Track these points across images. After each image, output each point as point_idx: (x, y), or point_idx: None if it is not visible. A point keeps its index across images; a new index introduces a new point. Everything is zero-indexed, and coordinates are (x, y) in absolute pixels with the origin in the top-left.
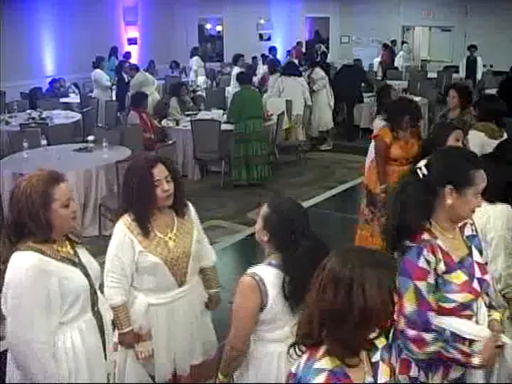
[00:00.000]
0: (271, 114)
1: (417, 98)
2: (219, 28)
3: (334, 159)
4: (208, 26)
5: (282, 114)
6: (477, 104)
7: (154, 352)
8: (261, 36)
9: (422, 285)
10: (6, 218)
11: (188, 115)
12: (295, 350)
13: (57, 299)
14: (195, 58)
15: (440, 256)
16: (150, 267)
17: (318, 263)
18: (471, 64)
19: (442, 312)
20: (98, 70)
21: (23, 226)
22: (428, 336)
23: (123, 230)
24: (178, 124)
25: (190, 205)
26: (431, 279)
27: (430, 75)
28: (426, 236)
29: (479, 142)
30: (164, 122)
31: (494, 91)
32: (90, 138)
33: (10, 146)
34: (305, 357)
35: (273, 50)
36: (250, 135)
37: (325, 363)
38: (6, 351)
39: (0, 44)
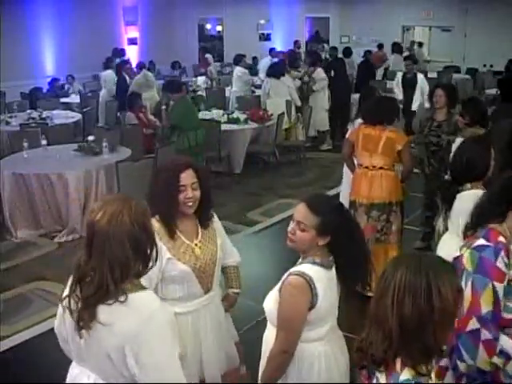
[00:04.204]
0: (271, 114)
1: None
2: (219, 28)
3: (334, 159)
4: (208, 26)
5: (282, 114)
6: (465, 109)
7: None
8: (261, 36)
9: (499, 287)
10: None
11: None
12: (369, 372)
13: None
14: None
15: None
16: (178, 275)
17: (363, 246)
18: (408, 82)
19: (502, 322)
20: (109, 71)
21: (130, 265)
22: (498, 345)
23: None
24: None
25: (214, 215)
26: (506, 282)
27: (429, 75)
28: (502, 239)
29: None
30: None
31: (493, 91)
32: (90, 138)
33: (10, 146)
34: (382, 375)
35: (273, 50)
36: (191, 149)
37: (407, 374)
38: (5, 351)
39: (0, 44)
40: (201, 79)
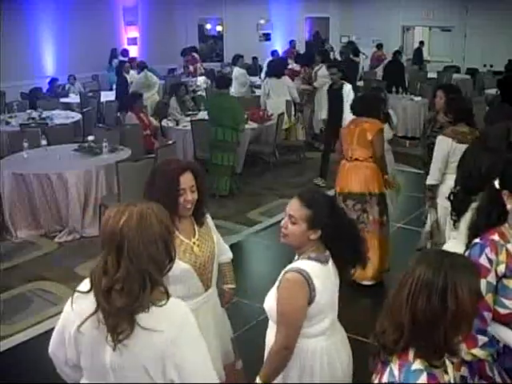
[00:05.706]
0: (271, 114)
1: (417, 98)
2: (219, 28)
3: (334, 159)
4: (208, 26)
5: (282, 114)
6: (449, 107)
7: None
8: (261, 36)
9: (481, 282)
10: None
11: (188, 115)
12: (379, 357)
13: None
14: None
15: (503, 258)
16: (180, 275)
17: (355, 236)
18: (334, 95)
19: (497, 317)
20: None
21: (163, 268)
22: (480, 338)
23: None
24: (178, 124)
25: (207, 214)
26: (492, 279)
27: (429, 75)
28: (495, 237)
29: (446, 147)
30: (164, 122)
31: (493, 91)
32: (90, 137)
33: (10, 146)
34: (395, 363)
35: (275, 53)
36: (216, 143)
37: (419, 364)
38: (5, 351)
39: (0, 44)
40: (201, 79)
